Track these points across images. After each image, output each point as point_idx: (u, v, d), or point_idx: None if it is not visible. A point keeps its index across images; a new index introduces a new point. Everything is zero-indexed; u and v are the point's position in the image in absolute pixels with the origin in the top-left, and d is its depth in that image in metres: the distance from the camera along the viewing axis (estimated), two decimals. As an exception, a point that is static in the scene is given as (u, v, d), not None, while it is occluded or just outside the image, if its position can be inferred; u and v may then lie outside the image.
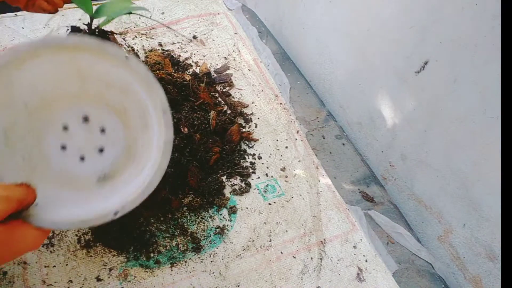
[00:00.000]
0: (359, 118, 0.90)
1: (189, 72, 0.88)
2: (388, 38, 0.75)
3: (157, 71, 0.77)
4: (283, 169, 0.77)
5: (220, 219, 0.67)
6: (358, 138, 0.92)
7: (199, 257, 0.62)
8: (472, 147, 0.62)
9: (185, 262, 0.61)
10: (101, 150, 0.51)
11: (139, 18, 1.01)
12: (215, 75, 0.91)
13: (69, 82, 0.49)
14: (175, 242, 0.63)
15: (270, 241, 0.66)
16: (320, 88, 1.02)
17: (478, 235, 0.65)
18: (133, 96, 0.50)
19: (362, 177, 0.80)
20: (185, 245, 0.63)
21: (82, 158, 0.50)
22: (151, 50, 0.92)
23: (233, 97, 0.88)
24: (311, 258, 0.65)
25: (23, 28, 0.93)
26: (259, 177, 0.74)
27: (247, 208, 0.70)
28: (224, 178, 0.73)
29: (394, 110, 0.79)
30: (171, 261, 0.61)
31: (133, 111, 0.51)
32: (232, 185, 0.72)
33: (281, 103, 0.90)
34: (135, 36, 0.97)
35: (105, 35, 0.65)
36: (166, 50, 0.94)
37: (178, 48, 0.96)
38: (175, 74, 0.80)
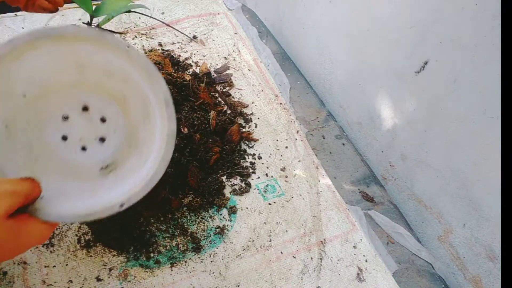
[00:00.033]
0: (359, 118, 0.90)
1: (189, 72, 0.88)
2: (388, 38, 0.75)
3: (157, 71, 0.77)
4: (283, 169, 0.77)
5: (220, 219, 0.67)
6: (358, 138, 0.92)
7: (199, 257, 0.62)
8: (472, 147, 0.62)
9: (185, 262, 0.61)
10: (102, 140, 0.51)
11: (139, 18, 1.01)
12: (215, 75, 0.91)
13: (68, 72, 0.49)
14: (175, 242, 0.63)
15: (270, 241, 0.66)
16: (320, 88, 1.02)
17: (478, 235, 0.65)
18: (134, 86, 0.50)
19: (362, 177, 0.80)
20: (185, 245, 0.63)
21: (84, 148, 0.50)
22: (151, 50, 0.92)
23: (233, 97, 0.88)
24: (311, 258, 0.65)
25: (23, 28, 0.93)
26: (259, 177, 0.74)
27: (247, 208, 0.70)
28: (224, 178, 0.73)
29: (394, 110, 0.79)
30: (171, 261, 0.61)
31: (134, 100, 0.51)
32: (232, 185, 0.72)
33: (281, 103, 0.90)
34: (135, 36, 0.97)
35: None
36: (166, 50, 0.94)
37: (178, 48, 0.96)
38: (175, 74, 0.80)
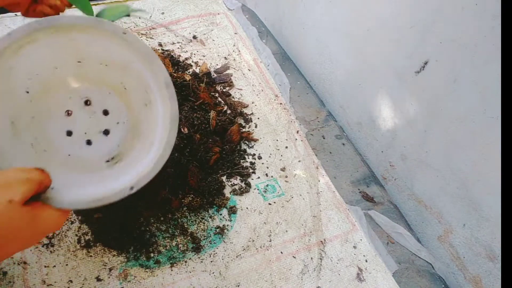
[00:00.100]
0: (359, 118, 0.90)
1: (189, 72, 0.88)
2: (388, 38, 0.75)
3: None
4: (283, 169, 0.77)
5: (220, 219, 0.67)
6: (358, 138, 0.92)
7: (199, 257, 0.62)
8: (472, 147, 0.62)
9: (185, 262, 0.61)
10: (106, 133, 0.52)
11: (139, 18, 1.01)
12: (215, 75, 0.91)
13: (67, 66, 0.49)
14: (175, 242, 0.63)
15: (270, 241, 0.66)
16: (320, 88, 1.02)
17: (478, 235, 0.65)
18: (133, 73, 0.50)
19: (362, 177, 0.80)
20: (185, 245, 0.63)
21: (89, 142, 0.51)
22: (151, 50, 0.92)
23: (233, 97, 0.88)
24: (311, 258, 0.65)
25: (23, 28, 0.93)
26: (259, 177, 0.74)
27: (247, 208, 0.69)
28: (224, 178, 0.73)
29: (394, 110, 0.79)
30: (171, 261, 0.61)
31: (134, 90, 0.52)
32: (232, 185, 0.72)
33: (281, 103, 0.90)
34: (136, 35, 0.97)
35: None
36: (166, 50, 0.94)
37: (178, 48, 0.96)
38: (175, 74, 0.81)
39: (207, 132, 0.74)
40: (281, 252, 0.64)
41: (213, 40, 1.01)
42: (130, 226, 0.62)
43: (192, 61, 0.93)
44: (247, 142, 0.80)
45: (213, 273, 0.60)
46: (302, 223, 0.69)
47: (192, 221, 0.66)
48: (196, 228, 0.65)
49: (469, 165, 0.64)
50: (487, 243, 0.63)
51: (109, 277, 0.58)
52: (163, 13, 1.05)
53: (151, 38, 0.97)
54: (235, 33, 1.05)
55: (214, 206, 0.69)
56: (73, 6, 0.62)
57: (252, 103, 0.88)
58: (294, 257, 0.64)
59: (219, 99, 0.86)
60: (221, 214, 0.68)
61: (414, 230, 0.76)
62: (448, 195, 0.70)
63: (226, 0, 1.14)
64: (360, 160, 0.83)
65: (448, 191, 0.69)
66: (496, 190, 0.60)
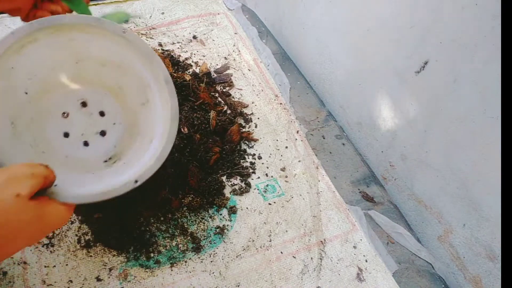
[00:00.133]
0: (359, 118, 0.90)
1: (189, 72, 0.88)
2: (388, 38, 0.75)
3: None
4: (283, 169, 0.77)
5: (220, 219, 0.67)
6: (358, 138, 0.92)
7: (199, 257, 0.62)
8: (472, 147, 0.62)
9: (185, 262, 0.61)
10: (103, 134, 0.52)
11: (139, 18, 1.01)
12: (215, 75, 0.91)
13: (65, 67, 0.49)
14: (175, 242, 0.63)
15: (270, 241, 0.66)
16: (320, 88, 1.02)
17: (478, 235, 0.65)
18: (131, 72, 0.51)
19: (362, 177, 0.80)
20: (185, 245, 0.63)
21: (86, 144, 0.51)
22: (151, 50, 0.92)
23: (233, 97, 0.88)
24: (311, 258, 0.65)
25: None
26: (259, 177, 0.74)
27: (247, 208, 0.70)
28: (224, 178, 0.73)
29: (394, 110, 0.79)
30: (171, 261, 0.61)
31: (130, 90, 0.52)
32: (232, 185, 0.72)
33: (281, 103, 0.90)
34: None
35: None
36: (166, 50, 0.94)
37: (178, 48, 0.96)
38: (175, 74, 0.81)
39: (207, 132, 0.74)
40: (281, 252, 0.64)
41: (213, 40, 1.01)
42: (130, 226, 0.62)
43: (192, 61, 0.93)
44: (247, 142, 0.80)
45: (213, 273, 0.60)
46: (302, 223, 0.69)
47: (192, 221, 0.66)
48: (196, 228, 0.65)
49: (469, 165, 0.64)
50: (487, 243, 0.63)
51: (109, 277, 0.58)
52: (163, 13, 1.05)
53: (151, 38, 0.97)
54: (235, 33, 1.05)
55: (214, 206, 0.69)
56: (73, 12, 0.63)
57: (252, 103, 0.88)
58: (294, 257, 0.64)
59: (219, 99, 0.86)
60: (221, 214, 0.68)
61: (414, 230, 0.76)
62: (448, 195, 0.70)
63: (226, 0, 1.14)
64: (360, 160, 0.83)
65: (448, 191, 0.69)
66: (496, 190, 0.60)
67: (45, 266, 0.57)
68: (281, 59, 1.01)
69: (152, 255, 0.61)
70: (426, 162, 0.73)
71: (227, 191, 0.71)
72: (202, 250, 0.63)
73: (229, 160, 0.75)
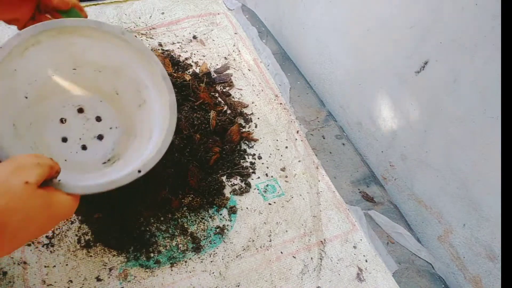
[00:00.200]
0: (359, 118, 0.90)
1: (189, 72, 0.88)
2: (388, 38, 0.75)
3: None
4: (283, 169, 0.77)
5: (220, 219, 0.67)
6: (358, 138, 0.92)
7: (199, 257, 0.62)
8: (472, 147, 0.62)
9: (185, 262, 0.61)
10: (100, 138, 0.53)
11: (139, 18, 1.01)
12: (215, 75, 0.91)
13: (63, 73, 0.51)
14: (175, 242, 0.63)
15: (270, 241, 0.66)
16: (320, 88, 1.02)
17: (478, 235, 0.65)
18: (127, 75, 0.52)
19: (362, 177, 0.80)
20: (185, 245, 0.63)
21: (84, 148, 0.53)
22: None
23: (233, 97, 0.88)
24: (311, 258, 0.65)
25: (23, 28, 0.93)
26: (259, 177, 0.74)
27: (247, 208, 0.69)
28: (224, 178, 0.73)
29: (394, 110, 0.79)
30: (171, 261, 0.61)
31: (127, 93, 0.54)
32: (232, 185, 0.72)
33: (281, 103, 0.90)
34: (135, 36, 0.97)
35: None
36: (166, 50, 0.94)
37: (178, 48, 0.96)
38: (175, 74, 0.81)
39: (207, 132, 0.74)
40: (281, 252, 0.64)
41: (213, 40, 1.01)
42: (130, 226, 0.62)
43: (192, 61, 0.93)
44: (247, 142, 0.80)
45: (213, 273, 0.60)
46: (302, 223, 0.69)
47: (192, 221, 0.66)
48: (196, 228, 0.65)
49: (469, 165, 0.64)
50: (487, 243, 0.63)
51: (109, 277, 0.58)
52: (163, 13, 1.05)
53: (151, 38, 0.97)
54: (235, 33, 1.05)
55: (214, 206, 0.69)
56: None
57: (252, 103, 0.88)
58: (294, 257, 0.64)
59: (219, 99, 0.86)
60: (221, 214, 0.68)
61: (414, 230, 0.76)
62: (448, 195, 0.70)
63: (226, 0, 1.14)
64: (360, 160, 0.83)
65: (448, 191, 0.69)
66: (496, 190, 0.60)
67: (45, 266, 0.57)
68: (281, 59, 1.01)
69: (152, 255, 0.61)
70: (426, 162, 0.73)
71: (227, 191, 0.71)
72: (202, 250, 0.63)
73: (229, 160, 0.75)
